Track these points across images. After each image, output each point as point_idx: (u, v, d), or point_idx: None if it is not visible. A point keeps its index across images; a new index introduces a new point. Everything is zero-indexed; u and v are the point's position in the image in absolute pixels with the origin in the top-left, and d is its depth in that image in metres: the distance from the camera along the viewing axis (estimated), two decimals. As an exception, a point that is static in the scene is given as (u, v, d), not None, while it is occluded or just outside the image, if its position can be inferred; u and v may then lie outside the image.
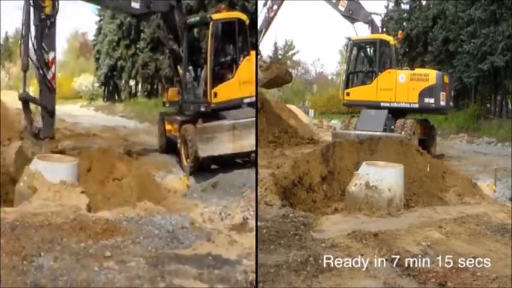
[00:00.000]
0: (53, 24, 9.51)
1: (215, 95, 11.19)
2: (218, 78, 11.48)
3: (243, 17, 11.98)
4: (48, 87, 9.56)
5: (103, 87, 43.97)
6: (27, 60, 9.39)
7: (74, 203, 6.82)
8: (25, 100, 9.56)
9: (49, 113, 9.69)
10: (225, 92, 11.33)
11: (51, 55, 9.51)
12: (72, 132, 16.90)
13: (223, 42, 11.92)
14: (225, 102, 11.33)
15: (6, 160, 8.38)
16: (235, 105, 11.43)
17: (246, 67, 11.66)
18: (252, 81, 11.58)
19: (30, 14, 9.27)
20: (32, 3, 9.31)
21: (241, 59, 11.66)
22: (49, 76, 9.46)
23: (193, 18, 12.30)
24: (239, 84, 11.49)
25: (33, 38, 9.32)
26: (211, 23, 11.23)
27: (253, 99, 11.62)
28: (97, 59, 43.23)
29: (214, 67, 11.43)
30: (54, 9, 9.50)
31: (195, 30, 12.89)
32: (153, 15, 12.78)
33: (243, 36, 11.84)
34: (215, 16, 11.56)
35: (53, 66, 9.56)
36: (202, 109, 11.33)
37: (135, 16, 12.81)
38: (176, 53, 12.02)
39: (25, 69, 9.41)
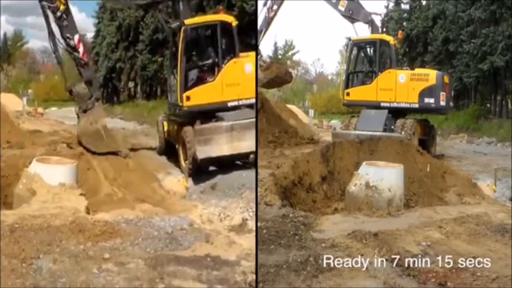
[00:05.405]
0: (68, 13, 10.26)
1: (187, 98, 11.13)
2: (195, 81, 11.45)
3: (229, 19, 11.73)
4: (83, 64, 10.49)
5: (102, 89, 43.94)
6: (59, 55, 10.69)
7: (73, 205, 6.82)
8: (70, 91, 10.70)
9: (93, 85, 10.70)
10: (202, 95, 11.21)
11: (76, 38, 10.40)
12: (72, 134, 16.84)
13: (203, 45, 11.83)
14: (202, 106, 11.16)
15: None
16: (217, 108, 11.21)
17: (232, 69, 11.44)
18: (239, 84, 11.33)
19: (49, 16, 10.17)
20: (47, 6, 10.13)
21: (225, 61, 11.45)
22: (80, 54, 10.42)
23: (174, 24, 12.20)
24: (221, 87, 11.30)
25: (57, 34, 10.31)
26: (182, 28, 11.18)
27: (241, 102, 11.36)
28: (96, 61, 43.20)
29: (188, 71, 11.40)
30: (66, 3, 10.22)
31: None
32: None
33: (228, 38, 11.62)
34: (187, 21, 11.38)
35: (80, 44, 10.52)
36: (177, 111, 11.36)
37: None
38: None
39: (59, 61, 10.95)
